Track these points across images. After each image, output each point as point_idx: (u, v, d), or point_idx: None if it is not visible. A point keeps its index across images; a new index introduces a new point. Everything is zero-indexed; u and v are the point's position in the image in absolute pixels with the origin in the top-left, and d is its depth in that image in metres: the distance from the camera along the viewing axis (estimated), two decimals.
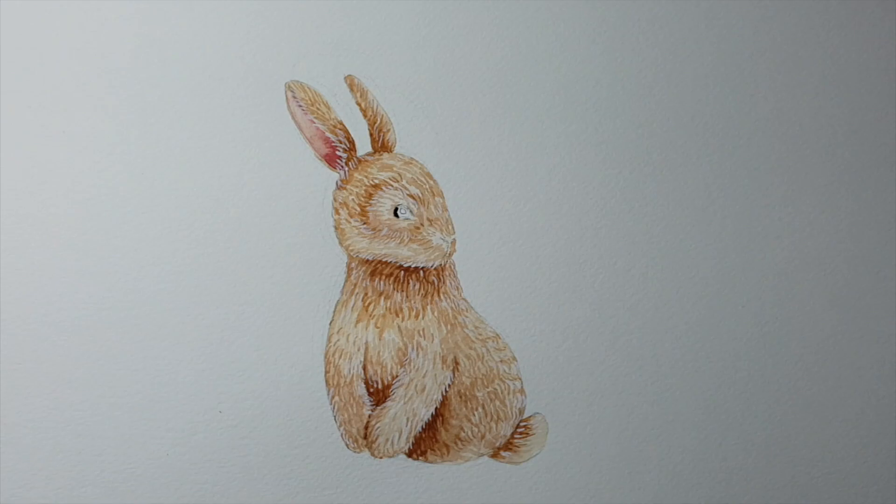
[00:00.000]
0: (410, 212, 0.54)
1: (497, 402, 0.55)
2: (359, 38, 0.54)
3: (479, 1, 0.55)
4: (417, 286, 0.54)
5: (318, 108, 0.54)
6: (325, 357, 0.54)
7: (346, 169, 0.54)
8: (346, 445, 0.54)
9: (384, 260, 0.54)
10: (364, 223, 0.54)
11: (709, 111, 0.57)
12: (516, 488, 0.55)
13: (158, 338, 0.53)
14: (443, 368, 0.54)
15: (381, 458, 0.54)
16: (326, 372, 0.54)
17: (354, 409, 0.54)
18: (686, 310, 0.56)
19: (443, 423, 0.55)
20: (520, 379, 0.55)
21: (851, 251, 0.58)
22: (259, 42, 0.53)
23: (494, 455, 0.55)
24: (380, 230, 0.54)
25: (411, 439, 0.54)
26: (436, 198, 0.54)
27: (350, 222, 0.54)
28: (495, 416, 0.55)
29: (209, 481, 0.53)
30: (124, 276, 0.53)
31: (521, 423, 0.55)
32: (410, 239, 0.54)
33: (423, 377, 0.54)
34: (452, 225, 0.55)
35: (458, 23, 0.55)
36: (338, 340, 0.54)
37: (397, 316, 0.54)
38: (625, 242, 0.55)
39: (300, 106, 0.54)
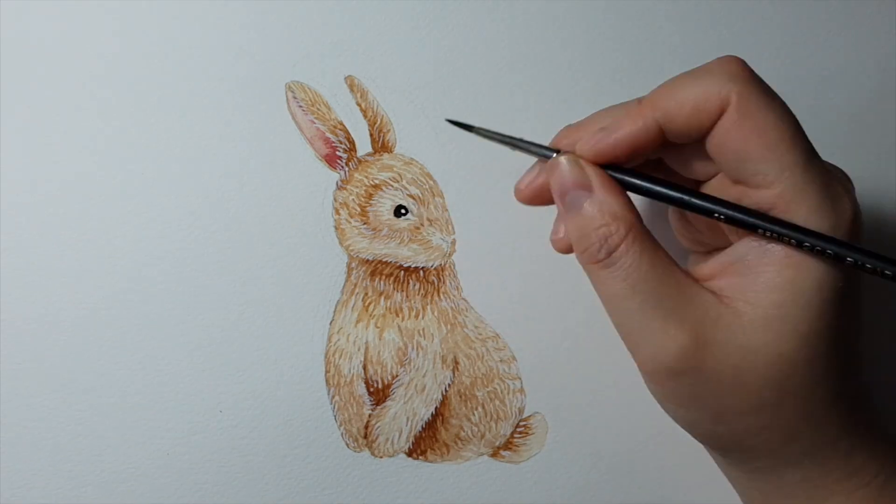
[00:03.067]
0: (410, 212, 0.54)
1: (497, 402, 0.55)
2: (359, 38, 0.54)
3: (479, 1, 0.55)
4: (417, 286, 0.55)
5: (318, 109, 0.54)
6: (325, 357, 0.54)
7: (347, 169, 0.54)
8: (346, 445, 0.54)
9: (384, 260, 0.54)
10: (364, 223, 0.54)
11: None
12: (516, 488, 0.55)
13: (158, 338, 0.53)
14: (443, 368, 0.55)
15: (381, 457, 0.54)
16: (326, 372, 0.54)
17: (354, 409, 0.54)
18: None
19: (443, 422, 0.55)
20: (519, 378, 0.55)
21: None
22: (259, 42, 0.53)
23: (494, 454, 0.55)
24: (380, 230, 0.54)
25: (411, 439, 0.54)
26: (436, 198, 0.54)
27: (350, 222, 0.54)
28: (495, 416, 0.55)
29: (209, 481, 0.53)
30: (124, 276, 0.52)
31: (521, 423, 0.55)
32: (410, 239, 0.54)
33: (423, 377, 0.54)
34: (452, 225, 0.55)
35: (458, 23, 0.55)
36: (338, 340, 0.54)
37: (397, 316, 0.54)
38: None
39: (300, 106, 0.53)
